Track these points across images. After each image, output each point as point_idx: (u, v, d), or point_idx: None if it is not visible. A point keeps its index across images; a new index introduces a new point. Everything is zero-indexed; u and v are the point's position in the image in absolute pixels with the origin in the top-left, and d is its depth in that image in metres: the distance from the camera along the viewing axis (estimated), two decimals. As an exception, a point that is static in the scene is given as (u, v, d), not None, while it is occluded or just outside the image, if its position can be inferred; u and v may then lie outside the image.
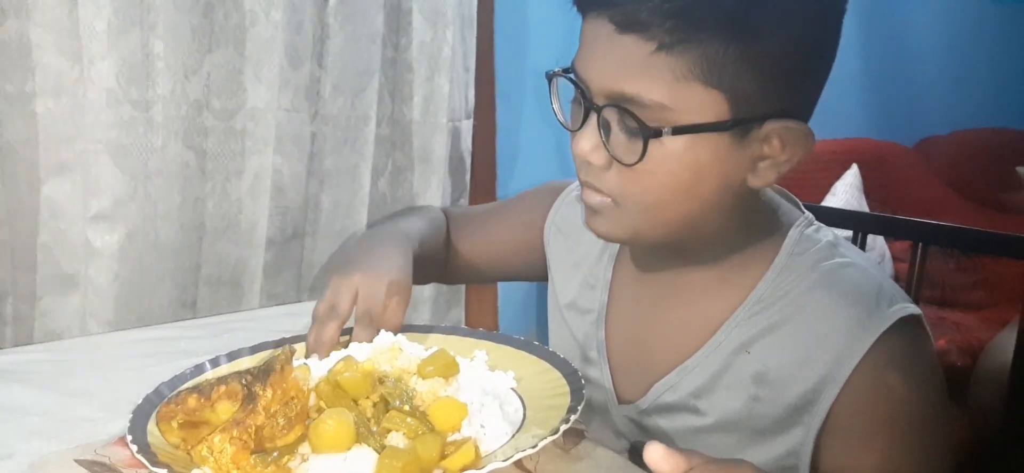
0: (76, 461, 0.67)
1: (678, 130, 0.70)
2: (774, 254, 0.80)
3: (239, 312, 1.21)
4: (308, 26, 1.23)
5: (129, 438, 0.64)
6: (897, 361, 0.74)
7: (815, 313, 0.77)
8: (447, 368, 0.71)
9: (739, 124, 0.70)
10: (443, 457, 0.62)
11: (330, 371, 0.69)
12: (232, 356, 0.80)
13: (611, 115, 0.72)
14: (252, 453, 0.61)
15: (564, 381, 0.74)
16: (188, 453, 0.63)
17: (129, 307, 1.14)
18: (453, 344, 0.79)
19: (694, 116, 0.70)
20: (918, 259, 1.16)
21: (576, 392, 0.71)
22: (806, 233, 0.81)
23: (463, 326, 0.89)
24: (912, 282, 1.17)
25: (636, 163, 0.71)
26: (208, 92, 1.15)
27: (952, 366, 2.02)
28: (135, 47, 1.06)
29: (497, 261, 1.06)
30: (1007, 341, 1.95)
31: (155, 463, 0.60)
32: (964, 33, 3.01)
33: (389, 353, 0.73)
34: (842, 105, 2.80)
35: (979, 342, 2.05)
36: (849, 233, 1.27)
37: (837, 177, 2.53)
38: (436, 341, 0.82)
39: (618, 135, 0.73)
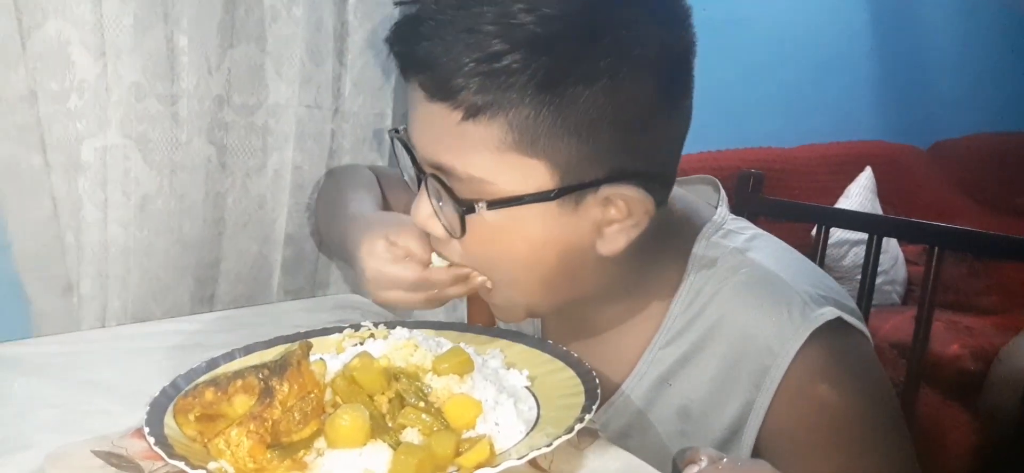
0: (93, 452, 0.67)
1: (493, 204, 0.67)
2: (683, 272, 0.76)
3: (255, 306, 1.22)
4: (329, 23, 1.23)
5: (146, 430, 0.64)
6: (824, 371, 0.71)
7: (727, 336, 0.73)
8: (462, 365, 0.71)
9: (564, 193, 0.67)
10: (458, 454, 0.63)
11: (346, 366, 0.69)
12: (247, 350, 0.80)
13: (435, 184, 0.69)
14: (268, 447, 0.61)
15: (578, 380, 0.74)
16: (205, 446, 0.63)
17: (153, 302, 1.14)
18: (467, 341, 0.79)
19: (513, 187, 0.67)
20: (934, 263, 1.16)
21: (590, 391, 0.71)
22: (713, 241, 0.77)
23: (477, 324, 0.88)
24: (927, 286, 1.16)
25: (461, 236, 0.69)
26: (230, 88, 1.15)
27: (965, 371, 2.01)
28: (160, 41, 1.07)
29: None
30: (1021, 346, 1.94)
31: (172, 455, 0.61)
32: (979, 36, 2.99)
33: (404, 349, 0.73)
34: (855, 107, 2.79)
35: (992, 347, 2.04)
36: (864, 236, 1.26)
37: (850, 179, 2.52)
38: (450, 338, 0.82)
39: (446, 205, 0.70)
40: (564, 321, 0.85)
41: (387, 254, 0.77)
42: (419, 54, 0.66)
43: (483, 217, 0.68)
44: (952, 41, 2.97)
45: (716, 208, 0.81)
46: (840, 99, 2.75)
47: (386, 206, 1.01)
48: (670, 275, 0.77)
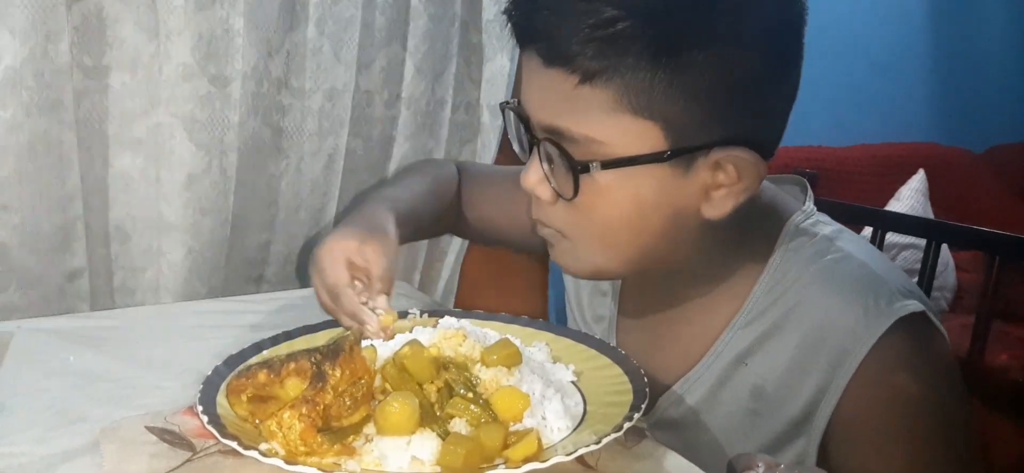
0: (147, 428, 0.69)
1: (608, 164, 0.68)
2: (769, 255, 0.77)
3: (306, 289, 1.22)
4: (392, 6, 1.22)
5: (199, 408, 0.65)
6: (901, 363, 0.71)
7: (809, 318, 0.74)
8: (510, 357, 0.71)
9: (677, 154, 0.68)
10: (505, 446, 0.62)
11: (395, 354, 0.70)
12: (298, 333, 0.81)
13: (549, 148, 0.71)
14: (319, 431, 0.61)
15: (626, 378, 0.74)
16: (256, 426, 0.64)
17: (200, 281, 1.15)
18: (513, 334, 0.79)
19: (627, 148, 0.68)
20: (994, 272, 1.12)
21: (639, 390, 0.71)
22: (802, 227, 0.78)
23: (523, 316, 0.88)
24: (987, 295, 1.13)
25: (573, 198, 0.70)
26: (288, 70, 1.16)
27: (1013, 382, 1.96)
28: (214, 22, 1.07)
29: (502, 228, 1.03)
30: (1076, 360, 1.88)
31: (224, 435, 0.61)
32: (1040, 36, 2.91)
33: (453, 339, 0.73)
34: (909, 108, 2.73)
35: (1044, 359, 1.98)
36: (922, 242, 1.23)
37: (902, 182, 2.46)
38: (496, 329, 0.81)
39: (558, 168, 0.71)
40: (645, 296, 0.86)
41: (345, 250, 0.79)
42: (537, 23, 0.68)
43: (596, 178, 0.69)
44: (1011, 42, 2.89)
45: (805, 203, 0.82)
46: (893, 99, 2.69)
47: (459, 199, 1.03)
48: (756, 256, 0.78)
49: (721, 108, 0.67)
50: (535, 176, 0.73)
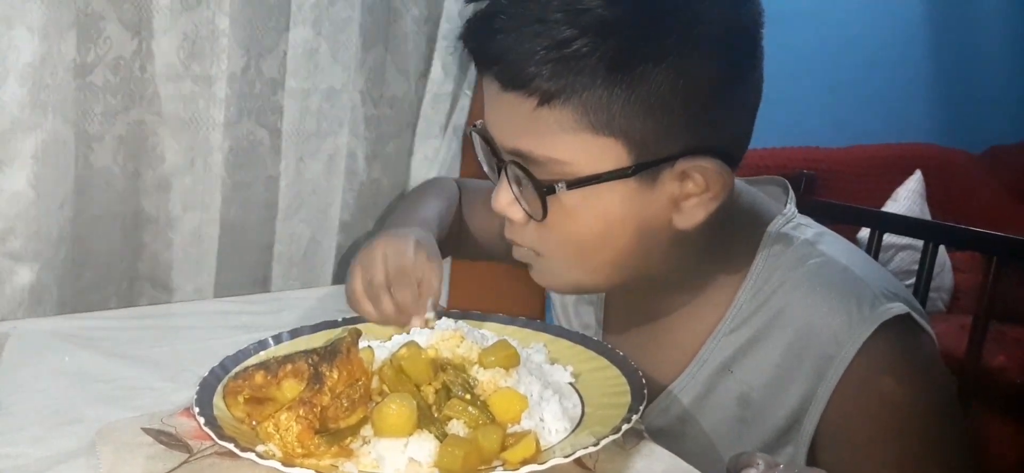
0: (143, 429, 0.68)
1: (573, 184, 0.69)
2: (751, 261, 0.77)
3: (303, 290, 1.22)
4: (379, 7, 1.22)
5: (196, 410, 0.65)
6: (886, 367, 0.71)
7: (793, 325, 0.74)
8: (508, 359, 0.71)
9: (641, 169, 0.68)
10: (503, 448, 0.62)
11: (393, 355, 0.69)
12: (295, 333, 0.81)
13: (516, 170, 0.71)
14: (316, 432, 0.61)
15: (624, 379, 0.74)
16: (252, 428, 0.63)
17: (191, 281, 1.15)
18: (511, 335, 0.79)
19: (591, 166, 0.68)
20: (992, 274, 1.13)
21: (637, 392, 0.71)
22: (783, 232, 0.78)
23: (521, 317, 0.88)
24: (985, 297, 1.14)
25: (543, 219, 0.70)
26: (284, 71, 1.16)
27: (1011, 383, 1.96)
28: (200, 23, 1.07)
29: (496, 241, 1.03)
30: (1073, 361, 1.89)
31: (221, 436, 0.61)
32: (1038, 38, 2.91)
33: (451, 340, 0.73)
34: (907, 108, 2.74)
35: (1041, 360, 1.98)
36: (919, 243, 1.24)
37: (899, 183, 2.47)
38: (494, 330, 0.81)
39: (526, 190, 0.72)
40: (629, 306, 0.86)
41: (399, 253, 0.81)
42: (492, 48, 0.68)
43: (562, 198, 0.69)
44: (1009, 43, 2.90)
45: (785, 206, 0.82)
46: (891, 99, 2.70)
47: (460, 214, 1.04)
48: (737, 263, 0.78)
49: (681, 119, 0.67)
50: (505, 198, 0.74)
